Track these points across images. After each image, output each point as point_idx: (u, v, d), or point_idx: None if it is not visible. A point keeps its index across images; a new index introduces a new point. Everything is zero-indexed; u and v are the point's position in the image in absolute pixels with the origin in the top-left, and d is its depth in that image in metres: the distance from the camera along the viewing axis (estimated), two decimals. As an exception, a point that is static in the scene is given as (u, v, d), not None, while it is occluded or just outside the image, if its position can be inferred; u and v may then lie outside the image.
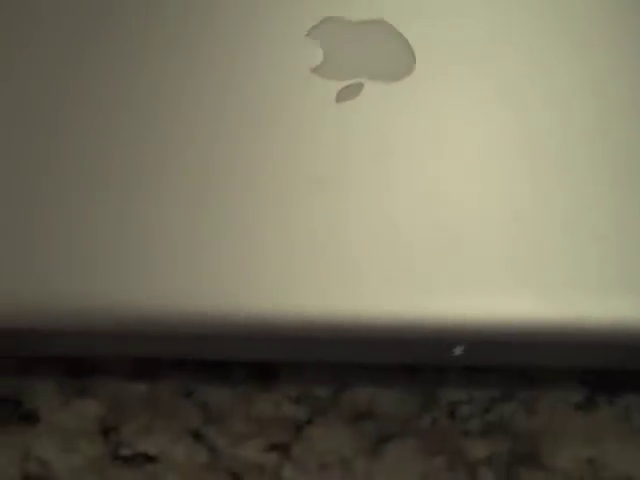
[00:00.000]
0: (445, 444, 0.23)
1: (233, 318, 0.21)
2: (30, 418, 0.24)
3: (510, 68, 0.24)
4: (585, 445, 0.23)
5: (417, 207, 0.22)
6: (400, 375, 0.24)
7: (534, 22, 0.25)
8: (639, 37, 0.24)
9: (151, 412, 0.23)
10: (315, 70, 0.24)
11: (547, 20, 0.25)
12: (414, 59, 0.24)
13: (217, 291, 0.21)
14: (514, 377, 0.24)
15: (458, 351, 0.23)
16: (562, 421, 0.24)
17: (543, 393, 0.24)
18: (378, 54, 0.24)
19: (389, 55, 0.24)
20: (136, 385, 0.24)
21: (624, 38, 0.24)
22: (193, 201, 0.22)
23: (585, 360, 0.23)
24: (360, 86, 0.24)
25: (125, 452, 0.23)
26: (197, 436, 0.23)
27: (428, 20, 0.24)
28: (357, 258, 0.21)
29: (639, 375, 0.25)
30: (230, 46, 0.24)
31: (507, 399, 0.24)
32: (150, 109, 0.23)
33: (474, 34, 0.24)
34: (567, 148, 0.23)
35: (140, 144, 0.23)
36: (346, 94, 0.23)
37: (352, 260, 0.21)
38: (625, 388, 0.24)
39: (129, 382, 0.24)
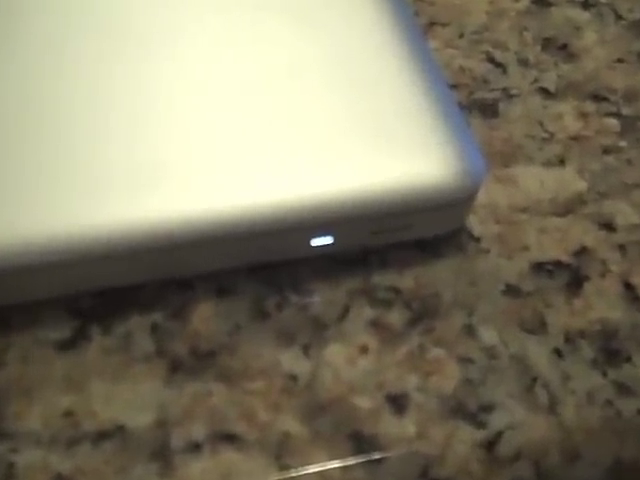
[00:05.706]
0: None
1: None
2: None
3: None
4: (65, 394, 0.17)
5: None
6: None
7: None
8: None
9: None
10: None
11: None
12: None
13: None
14: (-20, 325, 0.18)
15: None
16: (37, 369, 0.17)
17: (16, 337, 0.18)
18: None
19: None
20: None
21: None
22: None
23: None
24: None
25: None
26: None
27: None
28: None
29: (142, 293, 0.19)
30: None
31: (-34, 355, 0.18)
32: None
33: None
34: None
35: None
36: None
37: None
38: (126, 311, 0.18)
39: None
